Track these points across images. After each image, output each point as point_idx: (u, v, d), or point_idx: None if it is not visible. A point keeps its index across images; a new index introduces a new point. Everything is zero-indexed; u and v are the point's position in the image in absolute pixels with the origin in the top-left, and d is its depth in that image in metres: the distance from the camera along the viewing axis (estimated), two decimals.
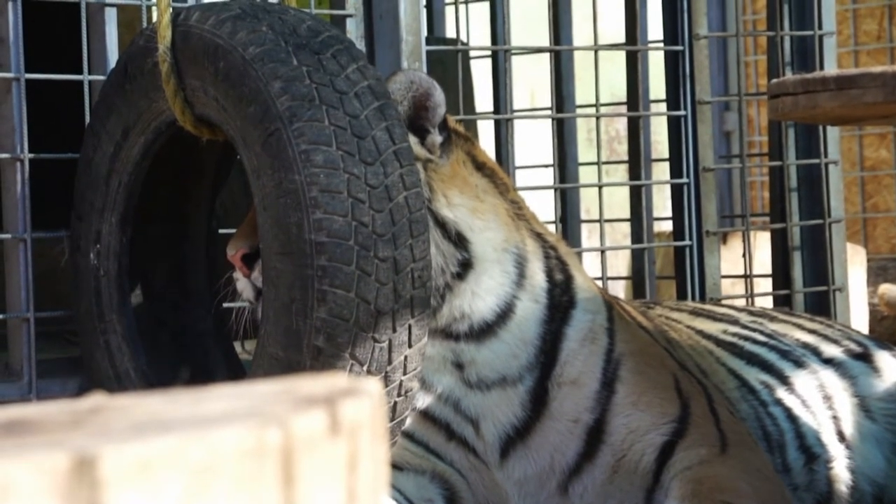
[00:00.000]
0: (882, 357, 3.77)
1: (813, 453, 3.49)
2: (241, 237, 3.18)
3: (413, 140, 3.15)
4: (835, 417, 3.60)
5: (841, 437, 3.58)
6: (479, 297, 3.18)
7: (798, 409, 3.54)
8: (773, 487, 3.19)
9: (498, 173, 3.34)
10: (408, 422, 3.19)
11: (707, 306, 3.95)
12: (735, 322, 3.78)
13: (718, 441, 3.19)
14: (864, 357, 3.76)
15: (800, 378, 3.62)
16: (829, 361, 3.71)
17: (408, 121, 3.18)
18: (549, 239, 3.34)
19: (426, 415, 3.20)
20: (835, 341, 3.79)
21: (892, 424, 3.69)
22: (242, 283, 3.16)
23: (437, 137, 3.21)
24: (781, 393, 3.56)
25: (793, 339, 3.77)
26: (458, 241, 3.17)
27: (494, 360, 3.18)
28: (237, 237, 3.19)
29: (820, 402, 3.60)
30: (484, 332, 3.18)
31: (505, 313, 3.19)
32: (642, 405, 3.18)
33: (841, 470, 3.52)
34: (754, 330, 3.75)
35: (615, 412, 3.17)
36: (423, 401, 3.19)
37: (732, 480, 3.10)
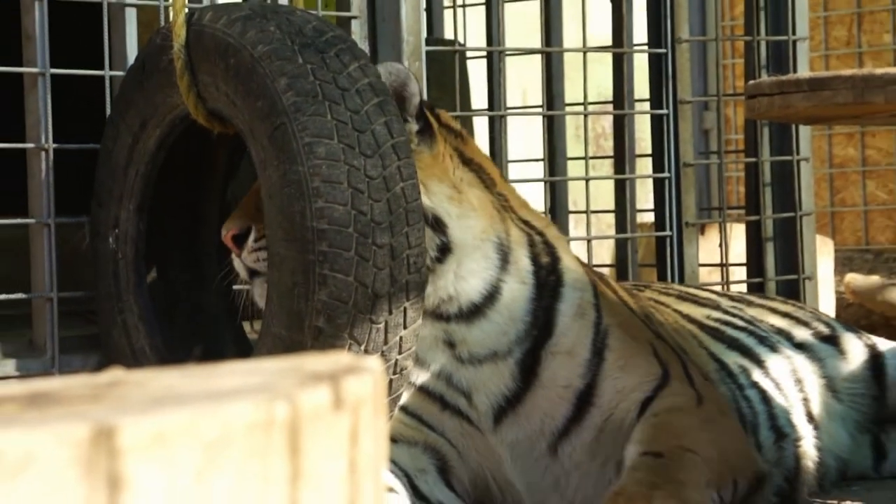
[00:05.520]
0: (848, 339, 3.78)
1: (783, 432, 3.49)
2: (233, 219, 3.19)
3: None
4: (805, 399, 3.60)
5: (810, 417, 3.58)
6: (463, 279, 3.16)
7: (772, 392, 3.54)
8: (739, 447, 3.19)
9: (486, 168, 3.31)
10: (403, 397, 3.19)
11: (691, 290, 3.94)
12: (717, 307, 3.78)
13: (694, 398, 3.19)
14: (832, 339, 3.76)
15: (774, 362, 3.62)
16: (800, 346, 3.72)
17: None
18: (537, 225, 3.32)
19: (420, 389, 3.19)
20: (805, 324, 3.80)
21: (856, 403, 3.69)
22: (236, 263, 3.17)
23: (413, 126, 3.20)
24: (757, 376, 3.56)
25: (768, 324, 3.77)
26: (436, 225, 3.14)
27: (485, 339, 3.17)
28: (230, 219, 3.20)
29: (792, 386, 3.60)
30: (473, 312, 3.17)
31: (491, 295, 3.18)
32: (629, 368, 3.18)
33: (808, 447, 3.52)
34: (735, 315, 3.75)
35: (604, 376, 3.17)
36: (418, 377, 3.19)
37: (695, 431, 3.10)
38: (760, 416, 3.47)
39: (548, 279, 3.23)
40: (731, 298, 3.92)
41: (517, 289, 3.20)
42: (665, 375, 3.20)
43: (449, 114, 3.44)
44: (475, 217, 3.19)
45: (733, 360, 3.56)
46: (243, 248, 3.14)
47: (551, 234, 3.33)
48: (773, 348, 3.66)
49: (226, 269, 3.27)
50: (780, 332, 3.75)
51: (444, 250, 3.15)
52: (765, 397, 3.51)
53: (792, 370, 3.63)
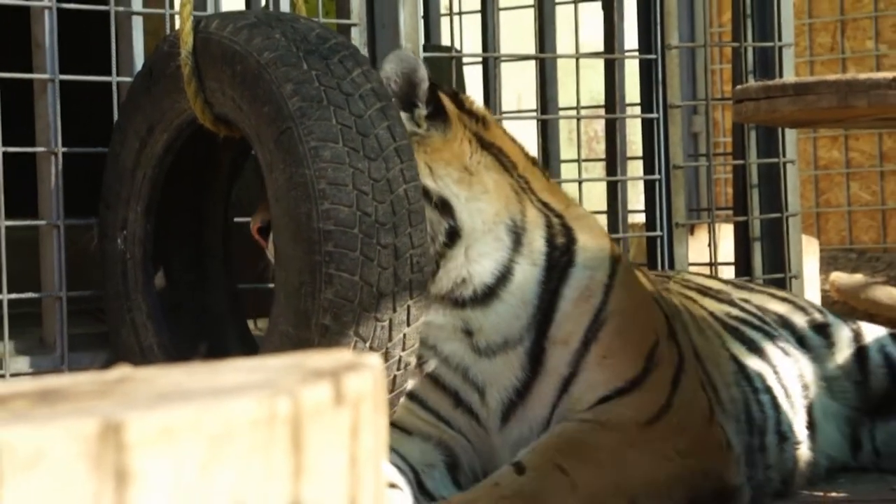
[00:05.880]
0: (838, 327, 3.77)
1: (785, 436, 3.46)
2: (257, 213, 3.18)
3: (403, 115, 3.10)
4: (808, 405, 3.58)
5: (811, 420, 3.56)
6: (475, 261, 3.10)
7: (781, 398, 3.50)
8: (673, 470, 3.02)
9: (507, 152, 3.21)
10: (420, 389, 3.14)
11: (705, 282, 3.84)
12: (731, 302, 3.70)
13: (651, 413, 3.06)
14: (825, 328, 3.74)
15: (785, 367, 3.58)
16: (801, 340, 3.69)
17: (402, 97, 3.13)
18: (557, 207, 3.21)
19: (437, 382, 3.13)
20: (802, 309, 3.79)
21: (847, 399, 3.68)
22: (268, 254, 3.16)
23: (422, 110, 3.16)
24: (771, 381, 3.50)
25: (772, 312, 3.73)
26: (443, 207, 3.09)
27: (500, 324, 3.09)
28: (255, 214, 3.19)
29: (799, 392, 3.57)
30: (487, 295, 3.10)
31: (504, 276, 3.10)
32: (606, 364, 3.07)
33: (805, 450, 3.50)
34: (747, 311, 3.69)
35: (584, 368, 3.07)
36: (435, 368, 3.13)
37: (599, 452, 2.95)
38: (769, 421, 3.42)
39: (560, 260, 3.13)
40: (736, 287, 3.88)
41: (528, 270, 3.11)
42: (637, 380, 3.07)
43: (470, 99, 3.36)
44: (486, 200, 3.12)
45: (751, 363, 3.50)
46: (268, 240, 3.13)
47: (571, 215, 3.22)
48: (785, 350, 3.61)
49: (263, 265, 3.26)
50: (783, 321, 3.70)
51: (453, 234, 3.10)
52: (775, 403, 3.46)
53: (799, 375, 3.60)
